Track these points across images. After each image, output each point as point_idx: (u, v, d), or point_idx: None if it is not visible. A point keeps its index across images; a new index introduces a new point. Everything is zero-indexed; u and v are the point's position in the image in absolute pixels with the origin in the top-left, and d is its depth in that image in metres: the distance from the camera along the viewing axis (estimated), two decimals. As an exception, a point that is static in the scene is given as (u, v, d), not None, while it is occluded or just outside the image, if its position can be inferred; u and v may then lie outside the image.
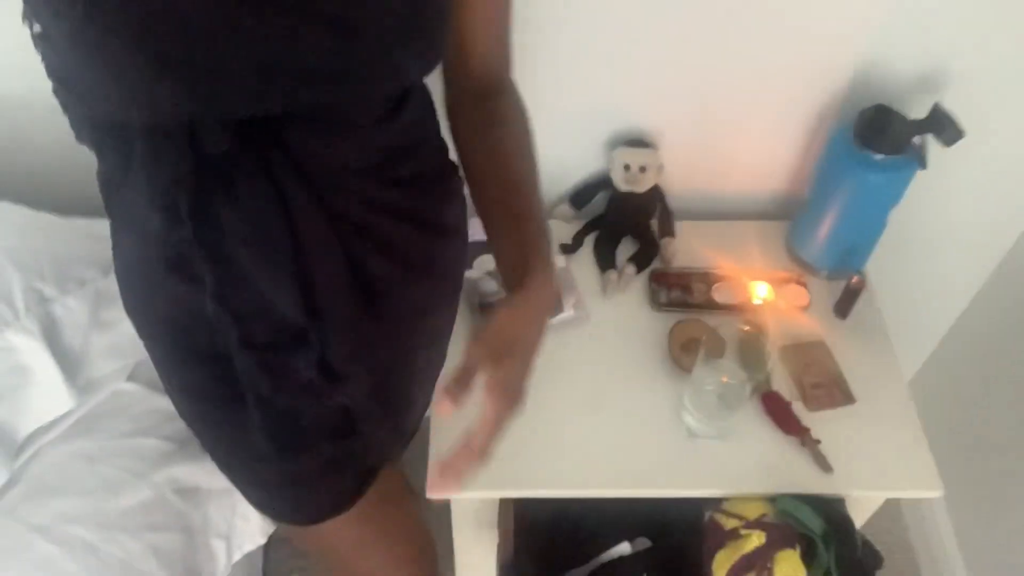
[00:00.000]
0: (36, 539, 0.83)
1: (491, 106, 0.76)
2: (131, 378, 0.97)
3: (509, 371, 0.62)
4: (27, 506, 0.85)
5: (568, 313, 1.15)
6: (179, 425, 0.95)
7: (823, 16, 1.07)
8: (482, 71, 0.75)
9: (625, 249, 1.26)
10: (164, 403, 0.96)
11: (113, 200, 0.69)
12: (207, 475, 0.95)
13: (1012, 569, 1.36)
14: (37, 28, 0.56)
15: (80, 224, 1.09)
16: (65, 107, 0.62)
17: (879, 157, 1.08)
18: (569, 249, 1.26)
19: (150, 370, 0.96)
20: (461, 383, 0.58)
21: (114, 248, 0.74)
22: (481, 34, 0.72)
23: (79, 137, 0.64)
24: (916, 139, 1.10)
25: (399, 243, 0.73)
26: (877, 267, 1.23)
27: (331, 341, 0.71)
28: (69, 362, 0.94)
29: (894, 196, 1.14)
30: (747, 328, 1.14)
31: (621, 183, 1.22)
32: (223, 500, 0.98)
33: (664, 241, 1.26)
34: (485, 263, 1.19)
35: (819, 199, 1.19)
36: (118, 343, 0.98)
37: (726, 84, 1.16)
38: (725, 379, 1.00)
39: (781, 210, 1.34)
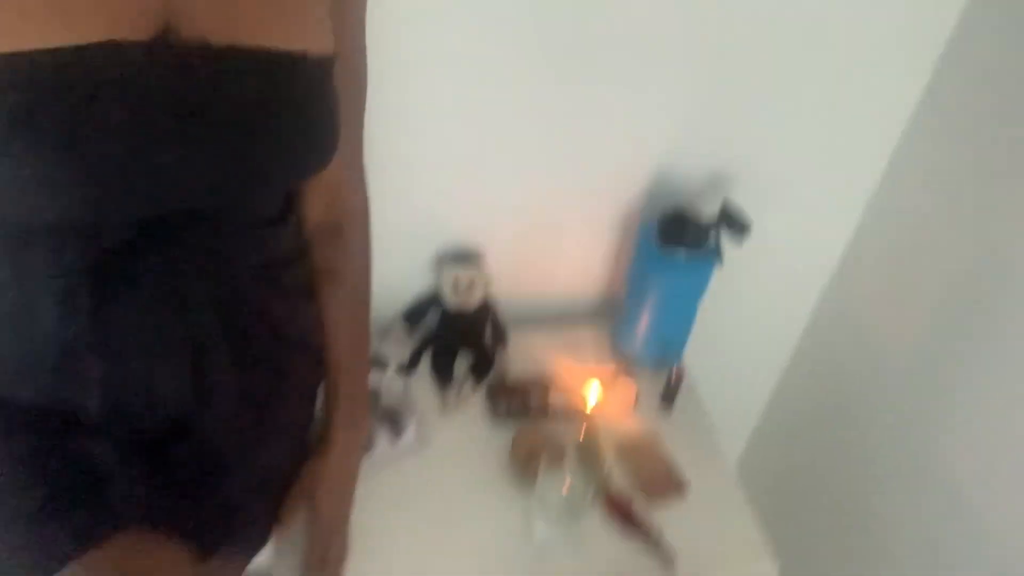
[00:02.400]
0: None
1: (337, 253, 0.90)
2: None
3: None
4: None
5: (409, 437, 1.14)
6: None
7: (623, 128, 1.18)
8: (340, 200, 0.87)
9: (462, 363, 1.28)
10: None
11: None
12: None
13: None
14: None
15: None
16: None
17: (680, 256, 1.18)
18: (407, 369, 1.26)
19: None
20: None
21: None
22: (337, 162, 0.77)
23: None
24: (712, 236, 1.21)
25: (274, 354, 0.82)
26: (694, 356, 1.33)
27: (209, 431, 0.77)
28: None
29: (699, 290, 1.24)
30: (582, 438, 1.19)
31: (452, 300, 1.25)
32: None
33: (498, 351, 1.29)
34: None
35: (634, 298, 1.27)
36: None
37: (541, 196, 1.24)
38: (564, 489, 1.02)
39: (604, 310, 1.42)
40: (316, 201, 0.85)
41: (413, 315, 1.31)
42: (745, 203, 1.20)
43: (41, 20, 0.55)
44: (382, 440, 1.13)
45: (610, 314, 1.38)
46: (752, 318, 1.48)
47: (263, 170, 0.68)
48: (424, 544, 1.04)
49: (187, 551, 0.76)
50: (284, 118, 0.67)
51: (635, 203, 1.28)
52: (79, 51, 0.56)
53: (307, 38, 0.68)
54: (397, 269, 1.26)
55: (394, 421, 1.14)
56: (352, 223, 0.92)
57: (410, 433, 1.15)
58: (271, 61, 0.65)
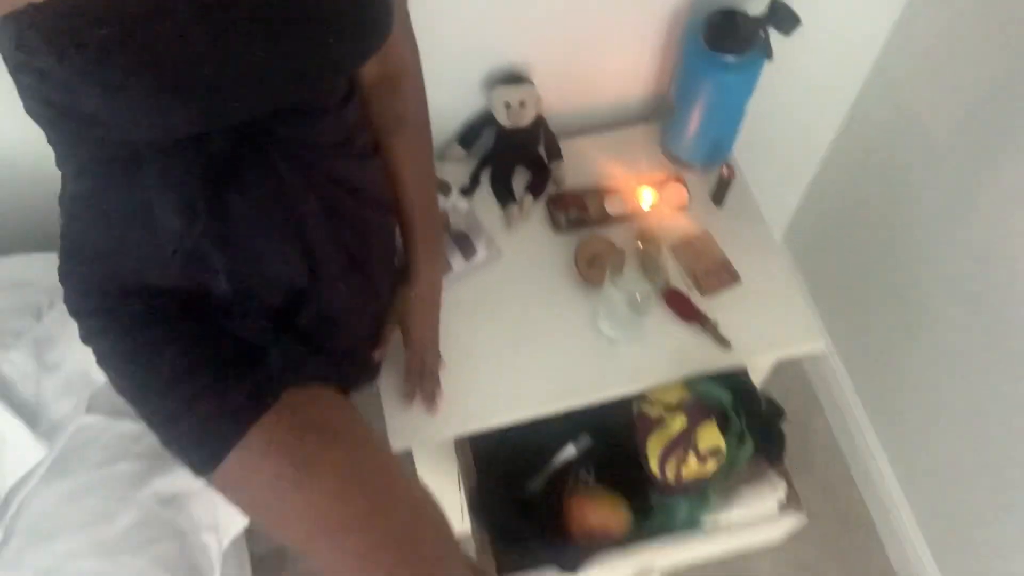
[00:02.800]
0: (49, 580, 0.90)
1: (397, 103, 0.96)
2: (90, 410, 1.01)
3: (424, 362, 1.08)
4: (29, 555, 0.91)
5: (481, 255, 1.24)
6: (146, 444, 1.01)
7: None
8: (394, 55, 0.92)
9: (519, 179, 1.34)
10: (127, 427, 1.01)
11: (94, 215, 0.79)
12: (183, 481, 1.02)
13: (904, 411, 1.58)
14: (35, 63, 0.61)
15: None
16: (57, 135, 0.73)
17: (730, 58, 1.18)
18: (469, 190, 1.33)
19: (106, 397, 1.02)
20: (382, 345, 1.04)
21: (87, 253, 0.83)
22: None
23: (62, 161, 0.77)
24: (760, 32, 1.20)
25: (359, 215, 0.89)
26: (741, 150, 1.36)
27: (325, 297, 0.87)
28: (28, 412, 0.98)
29: (748, 89, 1.25)
30: (642, 237, 1.26)
31: (504, 120, 1.29)
32: (202, 498, 1.05)
33: (554, 164, 1.34)
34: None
35: (683, 102, 1.29)
36: (69, 381, 1.01)
37: (583, 7, 1.23)
38: (638, 296, 1.12)
39: (653, 112, 1.44)
40: (371, 61, 0.88)
41: (467, 137, 1.35)
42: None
43: None
44: (457, 260, 1.22)
45: (659, 115, 1.41)
46: (798, 105, 1.48)
47: (338, 56, 0.73)
48: (503, 345, 1.17)
49: (335, 390, 0.92)
50: (350, 4, 0.72)
51: (680, 3, 1.26)
52: None
53: None
54: (447, 94, 1.29)
55: (465, 242, 1.23)
56: (406, 73, 0.96)
57: (481, 251, 1.24)
58: None
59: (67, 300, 0.86)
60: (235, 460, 0.81)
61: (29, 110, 0.69)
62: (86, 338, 0.86)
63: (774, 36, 1.18)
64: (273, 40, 0.67)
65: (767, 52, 1.21)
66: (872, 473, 1.69)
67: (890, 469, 1.65)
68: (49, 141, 0.76)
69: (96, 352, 0.86)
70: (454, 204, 1.29)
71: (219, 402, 0.81)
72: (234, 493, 0.85)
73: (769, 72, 1.24)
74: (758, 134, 1.42)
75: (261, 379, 0.83)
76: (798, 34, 1.18)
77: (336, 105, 0.83)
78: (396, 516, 0.84)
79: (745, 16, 1.17)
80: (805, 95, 1.48)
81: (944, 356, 1.42)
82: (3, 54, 0.64)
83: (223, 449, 0.80)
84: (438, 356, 1.11)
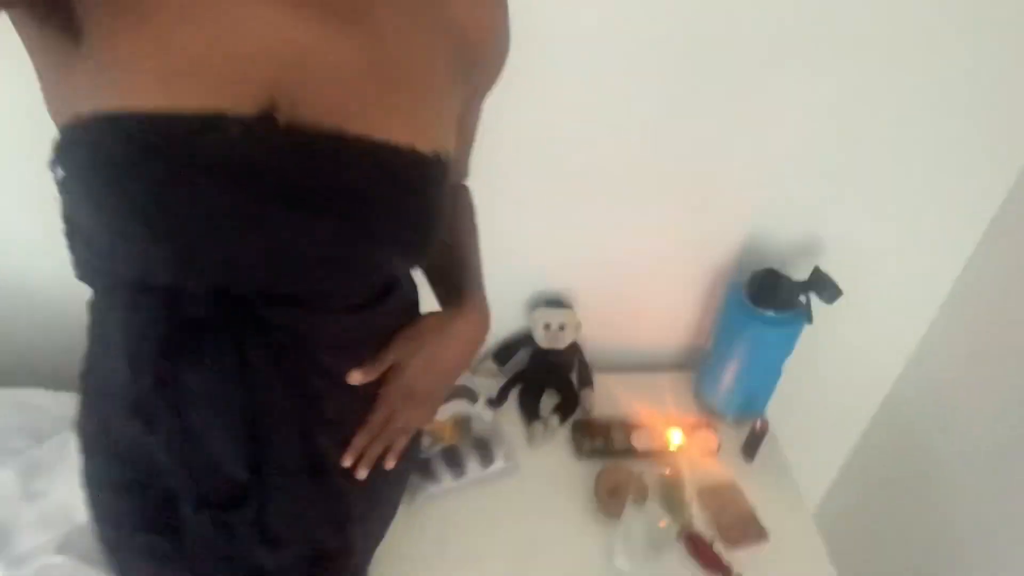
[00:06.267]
0: None
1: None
2: (61, 549, 0.94)
3: (418, 376, 0.78)
4: None
5: (499, 464, 1.20)
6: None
7: (717, 192, 1.24)
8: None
9: (548, 401, 1.34)
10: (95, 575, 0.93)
11: (97, 330, 0.72)
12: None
13: None
14: (60, 174, 0.59)
15: (7, 395, 1.09)
16: (71, 242, 0.67)
17: (771, 314, 1.22)
18: (495, 403, 1.32)
19: (81, 540, 0.95)
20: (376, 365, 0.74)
21: (87, 370, 0.75)
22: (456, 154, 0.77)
23: (79, 271, 0.69)
24: (801, 297, 1.25)
25: (349, 418, 0.76)
26: (777, 409, 1.35)
27: (271, 503, 0.72)
28: (-1, 535, 0.92)
29: (786, 348, 1.28)
30: (667, 473, 1.22)
31: (542, 341, 1.32)
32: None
33: (584, 392, 1.34)
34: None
35: (720, 351, 1.31)
36: (48, 514, 0.96)
37: (634, 250, 1.31)
38: (662, 524, 1.06)
39: (688, 360, 1.46)
40: None
41: (503, 355, 1.38)
42: (834, 271, 1.23)
43: (151, 83, 0.57)
44: (474, 466, 1.18)
45: (694, 364, 1.43)
46: (838, 375, 1.50)
47: (348, 263, 0.66)
48: (510, 562, 1.09)
49: None
50: (380, 212, 0.64)
51: (725, 262, 1.33)
52: (181, 116, 0.56)
53: (421, 134, 0.66)
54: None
55: (484, 449, 1.20)
56: (464, 190, 0.93)
57: (499, 461, 1.20)
58: (378, 152, 0.63)
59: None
60: None
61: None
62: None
63: (817, 304, 1.23)
64: (281, 224, 0.60)
65: (808, 316, 1.26)
66: None
67: None
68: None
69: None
70: (479, 413, 1.28)
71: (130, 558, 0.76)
72: None
73: (810, 337, 1.27)
74: (796, 397, 1.42)
75: (173, 553, 0.74)
76: (843, 306, 1.22)
77: (349, 310, 0.71)
78: None
79: (788, 279, 1.23)
80: (846, 367, 1.49)
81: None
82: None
83: None
84: (430, 414, 0.84)
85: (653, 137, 1.16)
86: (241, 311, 0.65)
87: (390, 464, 0.80)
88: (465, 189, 0.93)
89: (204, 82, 0.57)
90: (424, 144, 0.65)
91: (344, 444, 0.76)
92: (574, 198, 1.23)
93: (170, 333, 0.65)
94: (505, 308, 1.36)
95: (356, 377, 0.73)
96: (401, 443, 0.80)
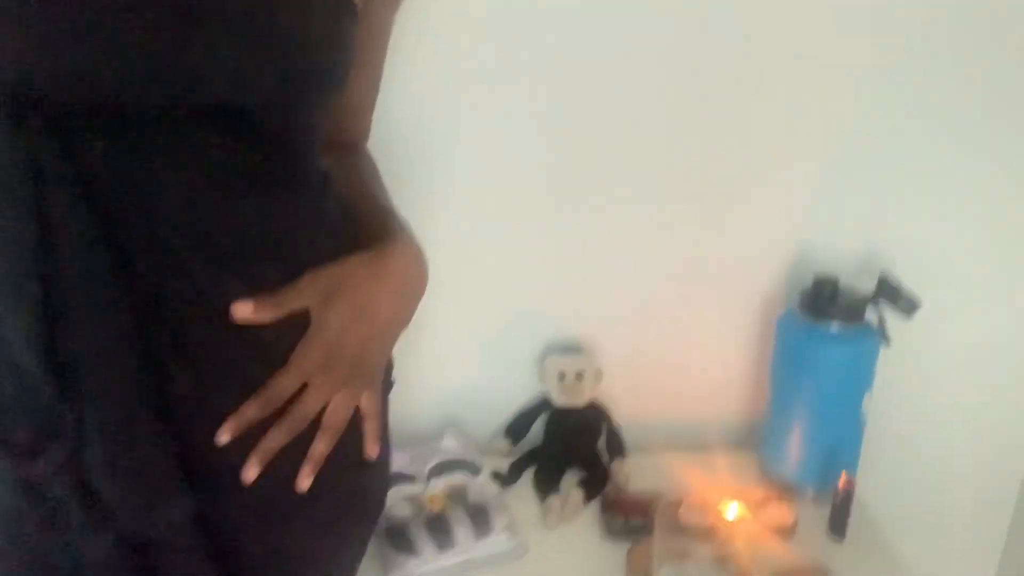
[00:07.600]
0: None
1: (348, 159, 0.74)
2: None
3: (342, 332, 0.58)
4: None
5: (498, 539, 0.92)
6: None
7: (760, 200, 1.06)
8: (347, 130, 0.74)
9: (570, 479, 1.07)
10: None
11: None
12: None
13: None
14: None
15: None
16: None
17: (834, 326, 0.97)
18: (506, 480, 1.06)
19: None
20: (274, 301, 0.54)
21: None
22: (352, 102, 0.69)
23: None
24: (872, 316, 1.00)
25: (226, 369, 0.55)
26: (868, 467, 1.04)
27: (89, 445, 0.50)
28: None
29: (863, 377, 1.00)
30: (726, 557, 0.92)
31: (558, 396, 1.07)
32: None
33: (615, 464, 1.07)
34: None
35: (781, 395, 1.05)
36: None
37: (661, 296, 1.10)
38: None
39: (747, 432, 1.17)
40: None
41: (516, 429, 1.13)
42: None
43: None
44: (466, 537, 0.91)
45: (754, 434, 1.14)
46: (935, 415, 1.17)
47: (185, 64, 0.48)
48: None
49: None
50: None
51: (771, 285, 1.10)
52: None
53: None
54: (497, 376, 1.13)
55: (480, 516, 0.93)
56: (363, 144, 0.80)
57: (498, 533, 0.92)
58: None
59: None
60: None
61: None
62: None
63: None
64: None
65: (883, 335, 1.00)
66: None
67: None
68: None
69: None
70: (480, 485, 1.01)
71: None
72: None
73: (894, 366, 1.00)
74: (889, 448, 1.10)
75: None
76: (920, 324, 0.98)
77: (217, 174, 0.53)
78: None
79: (848, 285, 0.99)
80: (942, 401, 1.17)
81: None
82: None
83: None
84: (360, 392, 0.60)
85: (671, 143, 1.03)
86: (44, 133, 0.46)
87: (304, 483, 0.57)
88: (369, 158, 0.79)
89: None
90: None
91: (211, 393, 0.54)
92: (584, 226, 1.06)
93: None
94: (514, 369, 1.13)
95: (243, 310, 0.53)
96: (324, 444, 0.57)
